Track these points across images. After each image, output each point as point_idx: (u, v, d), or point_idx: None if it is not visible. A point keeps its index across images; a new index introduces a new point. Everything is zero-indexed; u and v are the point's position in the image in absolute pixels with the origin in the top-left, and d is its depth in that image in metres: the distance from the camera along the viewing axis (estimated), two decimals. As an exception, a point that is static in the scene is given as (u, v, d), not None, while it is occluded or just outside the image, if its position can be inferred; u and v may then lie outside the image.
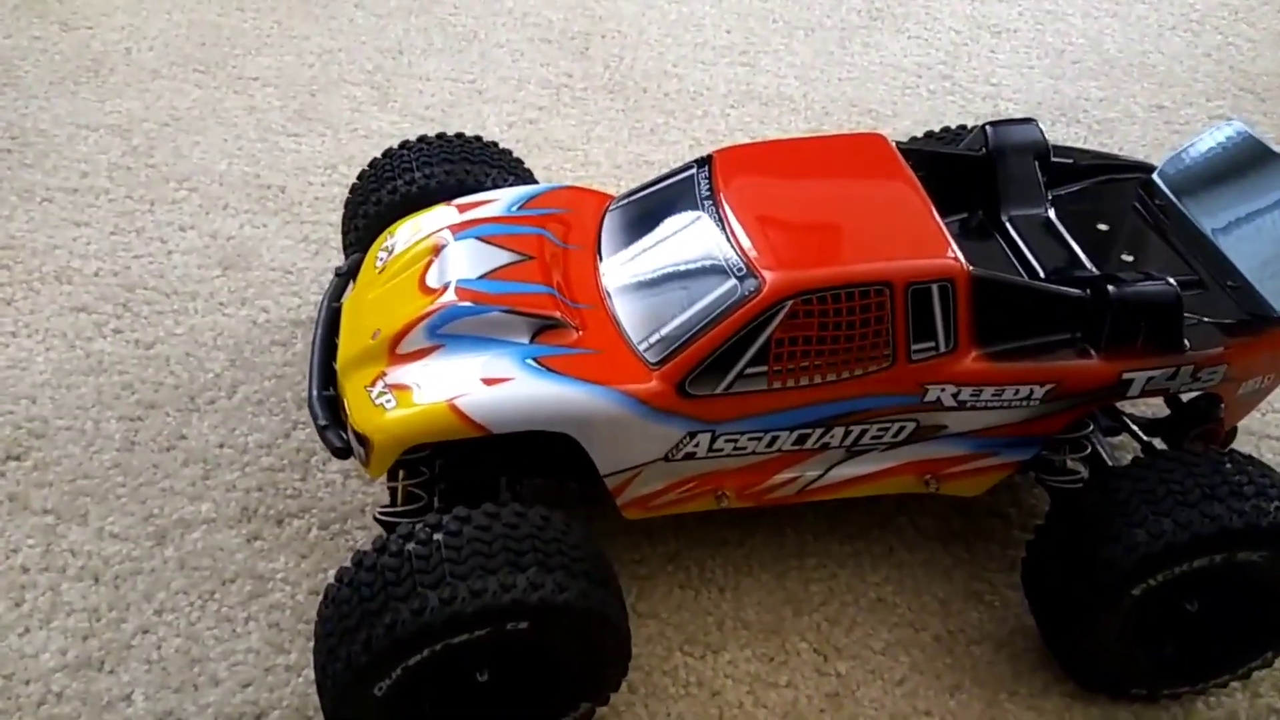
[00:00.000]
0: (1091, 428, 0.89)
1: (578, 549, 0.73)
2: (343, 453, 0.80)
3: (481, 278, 0.84)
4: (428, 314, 0.81)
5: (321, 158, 1.40)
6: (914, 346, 0.78)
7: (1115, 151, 1.46)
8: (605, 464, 0.80)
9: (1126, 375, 0.81)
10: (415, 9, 1.79)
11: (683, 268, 0.82)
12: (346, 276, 0.94)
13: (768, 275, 0.76)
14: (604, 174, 1.41)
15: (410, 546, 0.70)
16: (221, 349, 1.11)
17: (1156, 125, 1.51)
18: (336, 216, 1.11)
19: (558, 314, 0.82)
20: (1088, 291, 0.81)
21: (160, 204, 1.32)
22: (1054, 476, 0.90)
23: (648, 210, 0.90)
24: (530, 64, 1.64)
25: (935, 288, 0.77)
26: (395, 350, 0.81)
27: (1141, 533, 0.76)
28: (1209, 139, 0.96)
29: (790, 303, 0.75)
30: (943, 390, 0.80)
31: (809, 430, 0.81)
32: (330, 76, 1.58)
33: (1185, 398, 0.95)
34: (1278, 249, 0.87)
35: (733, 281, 0.78)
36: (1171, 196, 0.94)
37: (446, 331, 0.81)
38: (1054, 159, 0.97)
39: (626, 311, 0.82)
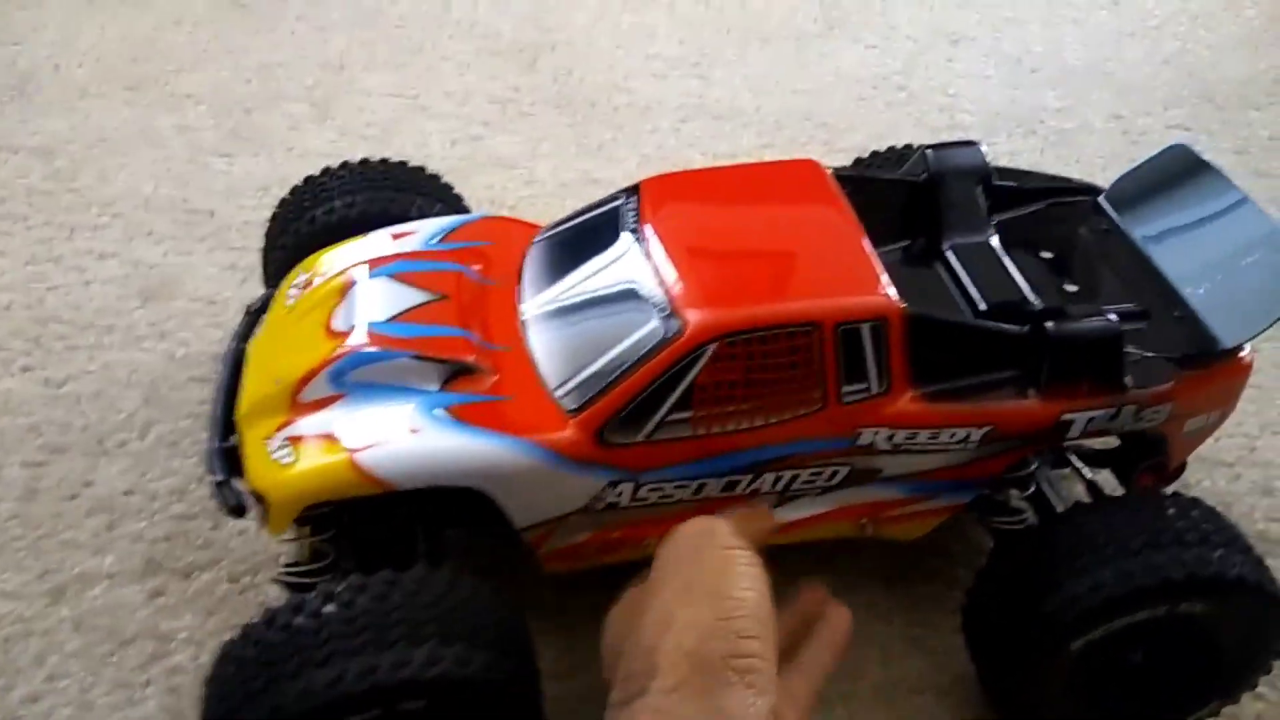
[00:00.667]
0: (1036, 465, 0.85)
1: (486, 615, 0.69)
2: (237, 511, 0.75)
3: (390, 320, 0.79)
4: (331, 360, 0.77)
5: (254, 179, 1.35)
6: (845, 388, 0.74)
7: (1073, 161, 1.43)
8: (521, 517, 0.75)
9: (1066, 416, 0.77)
10: (360, 21, 1.74)
11: (605, 305, 0.78)
12: (257, 314, 0.90)
13: (691, 316, 0.72)
14: (549, 193, 1.37)
15: (298, 620, 0.65)
16: (136, 386, 1.06)
17: (1114, 136, 1.47)
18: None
19: (471, 358, 0.77)
20: (1027, 328, 0.77)
21: (81, 230, 1.26)
22: (997, 517, 0.86)
23: (573, 242, 0.85)
24: (477, 77, 1.59)
25: (866, 328, 0.73)
26: (297, 398, 0.76)
27: (1081, 584, 0.72)
28: (1156, 161, 0.93)
29: (714, 346, 0.71)
30: (876, 433, 0.76)
31: (738, 477, 0.77)
32: (268, 93, 1.53)
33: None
34: (1224, 278, 0.83)
35: (655, 322, 0.73)
36: (1117, 221, 0.90)
37: (351, 379, 0.76)
38: (998, 182, 0.93)
39: (545, 354, 0.78)
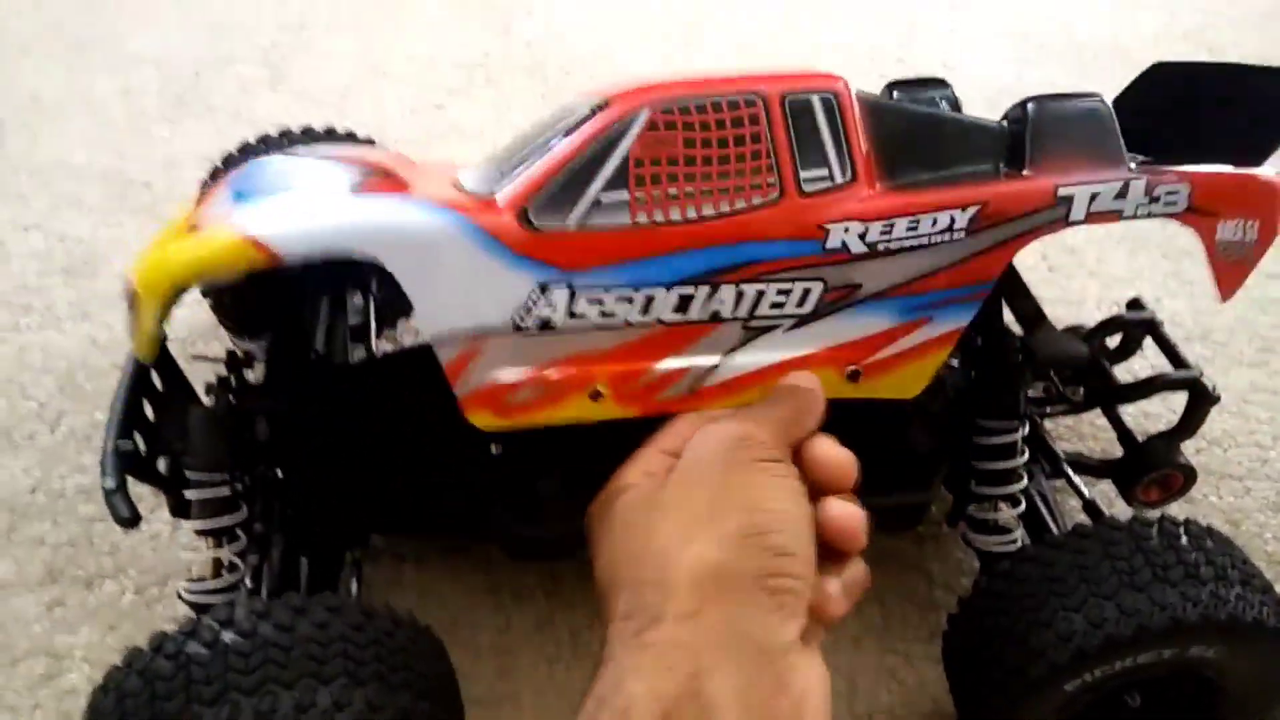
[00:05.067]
0: (1027, 481, 0.76)
1: (403, 652, 0.60)
2: (130, 522, 0.66)
3: (298, 158, 0.70)
4: (230, 177, 0.67)
5: (197, 148, 1.25)
6: (803, 174, 0.63)
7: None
8: (431, 314, 0.61)
9: (1064, 190, 0.65)
10: (324, -22, 1.63)
11: (537, 136, 0.66)
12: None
13: (622, 93, 0.61)
14: (514, 167, 1.27)
15: (190, 648, 0.56)
16: (50, 372, 0.97)
17: (1126, 115, 1.38)
18: (203, 216, 0.96)
19: (388, 170, 0.67)
20: (1006, 123, 0.67)
21: (5, 200, 1.17)
22: (984, 535, 0.77)
23: (522, 139, 0.75)
24: (445, 41, 1.49)
25: (817, 99, 0.62)
26: (193, 223, 0.63)
27: (1079, 619, 0.63)
28: (1141, 80, 0.82)
29: (646, 113, 0.60)
30: (846, 231, 0.64)
31: (690, 288, 0.64)
32: (219, 54, 1.43)
33: (1141, 439, 0.83)
34: (1229, 133, 0.73)
35: (585, 112, 0.62)
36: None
37: (251, 186, 0.65)
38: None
39: (471, 178, 0.66)
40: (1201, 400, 0.80)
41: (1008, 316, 0.80)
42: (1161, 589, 0.63)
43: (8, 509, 0.86)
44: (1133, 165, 0.67)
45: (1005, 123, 0.67)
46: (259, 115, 1.32)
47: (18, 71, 1.38)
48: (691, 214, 0.62)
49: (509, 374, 0.64)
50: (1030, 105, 0.66)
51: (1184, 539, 0.66)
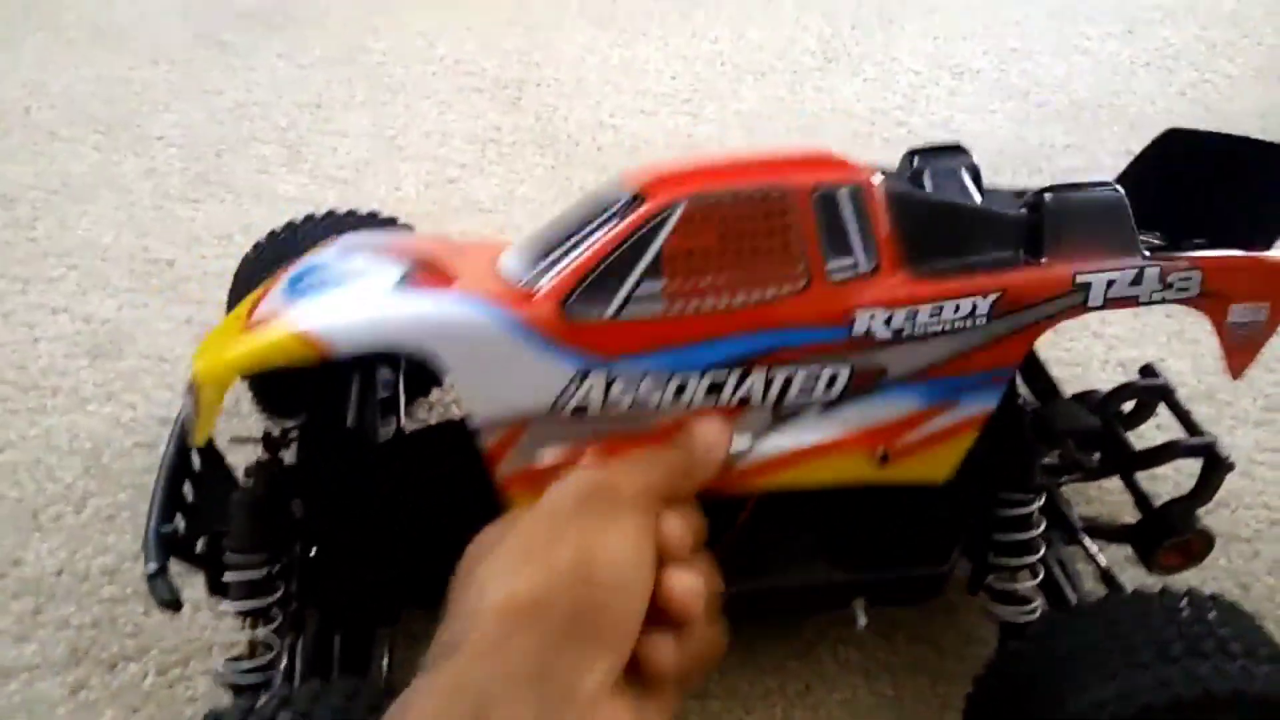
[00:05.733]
0: (1044, 551, 0.76)
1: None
2: (172, 605, 0.68)
3: (348, 252, 0.73)
4: (285, 273, 0.70)
5: (218, 226, 1.29)
6: (830, 264, 0.65)
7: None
8: (477, 404, 0.64)
9: (1082, 278, 0.68)
10: (341, 58, 1.69)
11: (576, 223, 0.68)
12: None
13: (658, 185, 0.64)
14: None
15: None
16: (77, 453, 0.99)
17: (1127, 173, 1.40)
18: (224, 293, 0.99)
19: (434, 261, 0.69)
20: (1024, 211, 0.69)
21: (35, 283, 1.20)
22: (1004, 606, 0.77)
23: (560, 223, 0.78)
24: (457, 116, 1.53)
25: (844, 192, 0.64)
26: (250, 320, 0.67)
27: (1110, 689, 0.63)
28: (1152, 149, 0.84)
29: (683, 206, 0.62)
30: (872, 317, 0.66)
31: (722, 374, 0.66)
32: (240, 134, 1.48)
33: (1157, 503, 0.83)
34: (1241, 211, 0.75)
35: (621, 203, 0.65)
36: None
37: (305, 285, 0.68)
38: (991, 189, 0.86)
39: (516, 262, 0.68)
40: (1217, 467, 0.81)
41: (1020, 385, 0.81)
42: (1194, 661, 0.62)
43: (34, 591, 0.88)
44: (1147, 252, 0.69)
45: (1023, 210, 0.69)
46: (278, 192, 1.36)
47: (49, 156, 1.43)
48: (723, 303, 0.64)
49: (547, 455, 0.66)
50: (1048, 196, 0.68)
51: (1213, 612, 0.66)
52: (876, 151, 1.46)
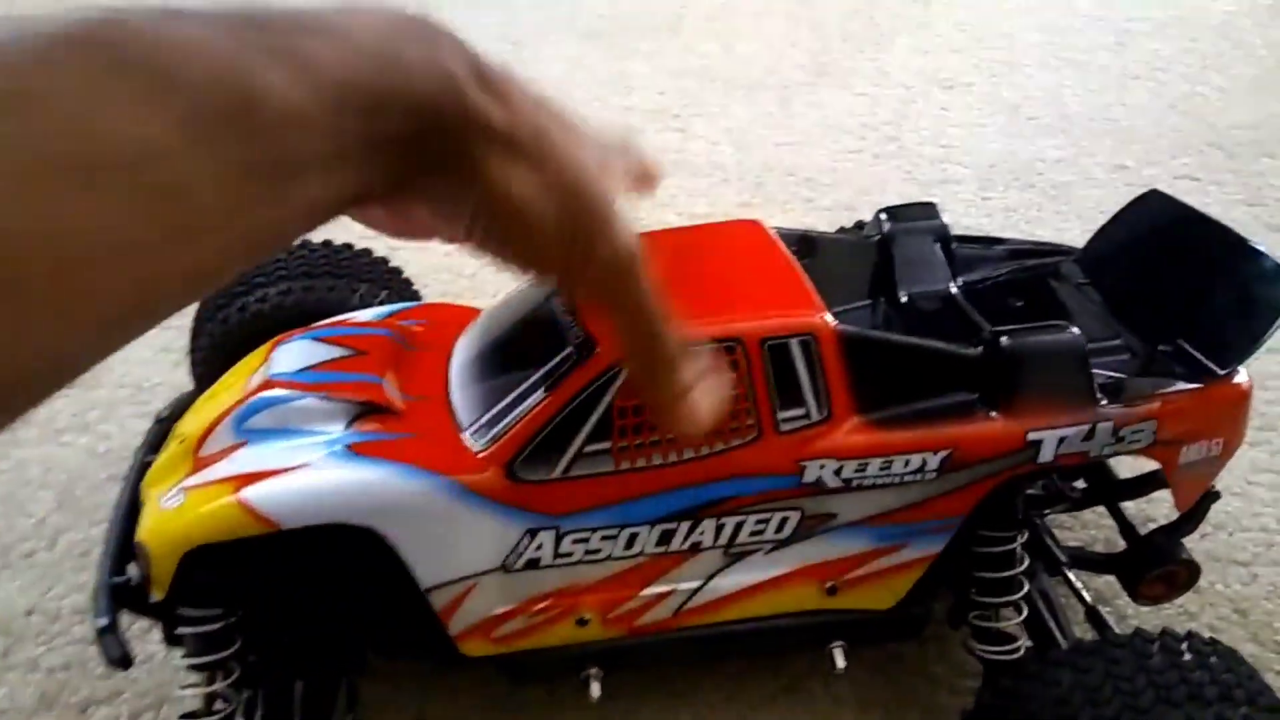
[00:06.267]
0: (1028, 588, 0.75)
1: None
2: (121, 663, 0.66)
3: (301, 370, 0.72)
4: (233, 408, 0.69)
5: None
6: (781, 415, 0.65)
7: (1073, 217, 1.34)
8: (427, 571, 0.65)
9: (1033, 435, 0.67)
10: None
11: (527, 349, 0.70)
12: (167, 422, 0.81)
13: (605, 335, 0.63)
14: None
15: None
16: (50, 487, 0.98)
17: (1117, 187, 1.38)
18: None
19: (380, 401, 0.69)
20: (979, 348, 0.68)
21: (12, 310, 1.19)
22: (986, 646, 0.76)
23: (512, 308, 0.77)
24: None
25: (795, 343, 0.64)
26: (199, 453, 0.68)
27: None
28: (1130, 211, 0.84)
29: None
30: (822, 467, 0.66)
31: (673, 524, 0.66)
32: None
33: (1143, 532, 0.81)
34: (1209, 311, 0.74)
35: (569, 349, 0.65)
36: (1091, 279, 0.83)
37: (252, 426, 0.68)
38: (962, 247, 0.85)
39: (462, 399, 0.69)
40: (1204, 495, 0.79)
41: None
42: (1166, 711, 0.61)
43: (3, 633, 0.86)
44: (1103, 399, 0.67)
45: (980, 348, 0.68)
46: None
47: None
48: (673, 458, 0.64)
49: (499, 607, 0.67)
50: (1004, 340, 0.67)
51: (1187, 656, 0.64)
52: (867, 168, 1.45)
